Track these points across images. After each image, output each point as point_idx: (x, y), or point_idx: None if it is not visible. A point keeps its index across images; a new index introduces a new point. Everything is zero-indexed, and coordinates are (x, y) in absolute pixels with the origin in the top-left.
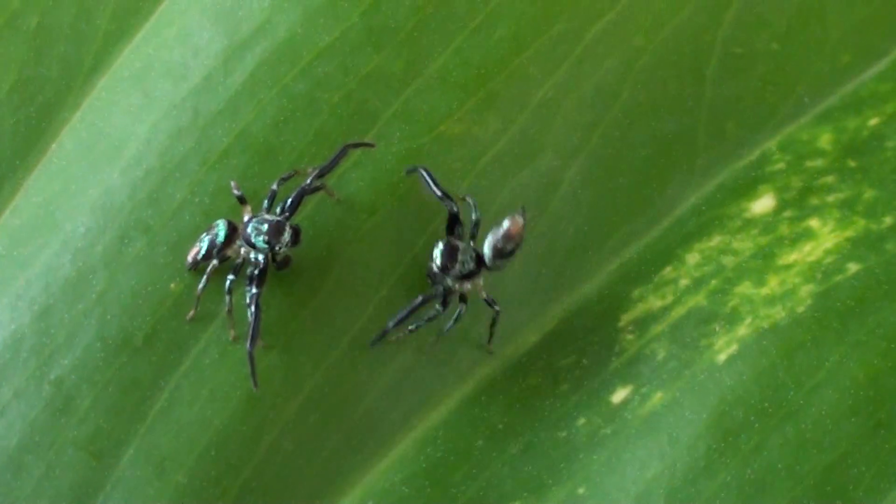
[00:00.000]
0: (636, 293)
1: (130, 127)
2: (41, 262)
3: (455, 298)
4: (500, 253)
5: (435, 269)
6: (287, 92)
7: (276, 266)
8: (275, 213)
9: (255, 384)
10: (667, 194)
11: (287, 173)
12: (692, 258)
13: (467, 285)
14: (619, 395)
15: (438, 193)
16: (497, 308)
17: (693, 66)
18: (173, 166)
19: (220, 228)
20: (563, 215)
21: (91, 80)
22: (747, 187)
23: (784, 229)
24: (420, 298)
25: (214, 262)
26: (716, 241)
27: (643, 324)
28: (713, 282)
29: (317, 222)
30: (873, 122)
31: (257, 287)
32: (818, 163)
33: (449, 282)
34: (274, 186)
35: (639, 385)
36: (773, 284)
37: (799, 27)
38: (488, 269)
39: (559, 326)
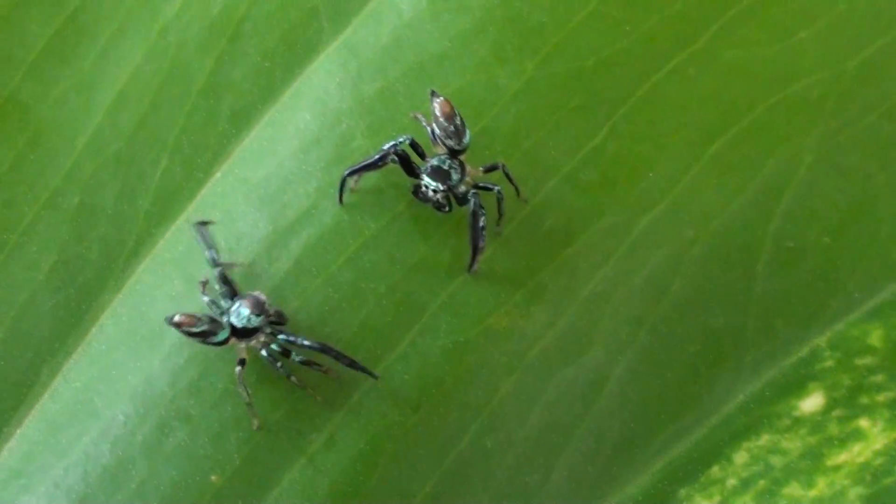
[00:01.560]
0: (683, 493)
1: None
2: (79, 450)
3: (469, 195)
4: (454, 132)
5: (440, 198)
6: (332, 281)
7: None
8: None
9: None
10: (715, 391)
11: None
12: (740, 457)
13: (467, 179)
14: None
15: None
16: (498, 188)
17: (743, 259)
18: (216, 355)
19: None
20: (610, 412)
21: (132, 262)
22: (796, 385)
23: (833, 429)
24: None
25: (239, 368)
26: (764, 440)
27: None
28: (761, 482)
29: (361, 416)
30: None
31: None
32: (868, 360)
33: (459, 188)
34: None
35: None
36: (821, 486)
37: (850, 221)
38: (463, 150)
39: None
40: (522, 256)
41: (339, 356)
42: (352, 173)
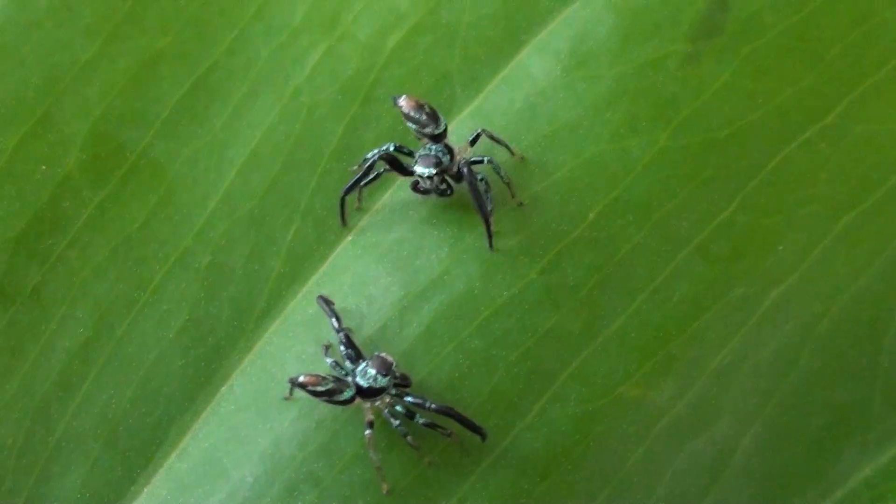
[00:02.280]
0: None
1: None
2: None
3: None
4: (427, 119)
5: (438, 183)
6: (463, 347)
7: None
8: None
9: None
10: (840, 465)
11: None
12: None
13: (457, 159)
14: None
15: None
16: (488, 158)
17: (871, 333)
18: (346, 419)
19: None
20: (736, 485)
21: (263, 323)
22: None
23: None
24: (485, 189)
25: (368, 431)
26: None
27: None
28: None
29: (489, 484)
30: None
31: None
32: None
33: (452, 169)
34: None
35: None
36: None
37: None
38: (443, 133)
39: None
40: (653, 327)
41: (461, 419)
42: (349, 191)
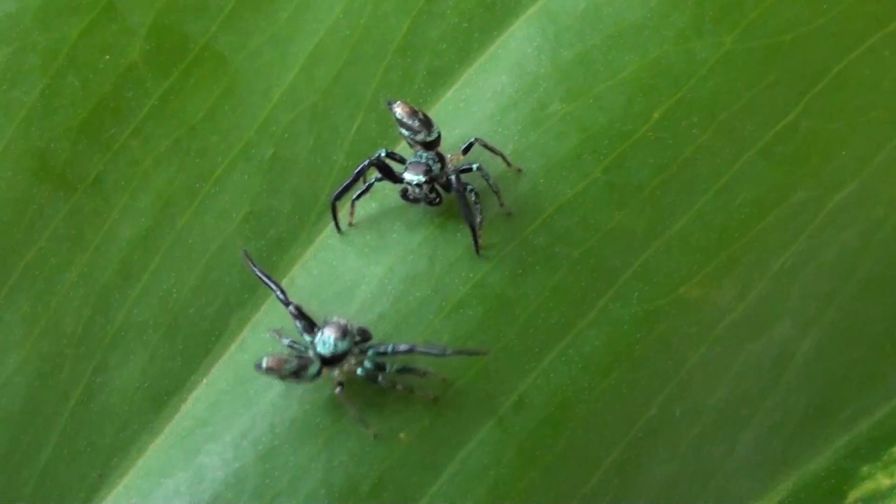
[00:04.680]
0: (865, 470)
1: (364, 269)
2: (267, 402)
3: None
4: (420, 126)
5: (427, 191)
6: (527, 244)
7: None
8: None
9: None
10: None
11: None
12: None
13: (448, 167)
14: None
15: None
16: (477, 165)
17: None
18: (408, 312)
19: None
20: (796, 387)
21: (325, 216)
22: None
23: None
24: (474, 200)
25: (339, 389)
26: None
27: (871, 502)
28: None
29: (551, 380)
30: None
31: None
32: None
33: (442, 178)
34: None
35: None
36: None
37: None
38: (436, 141)
39: (786, 501)
40: (716, 228)
41: (428, 352)
42: (338, 196)
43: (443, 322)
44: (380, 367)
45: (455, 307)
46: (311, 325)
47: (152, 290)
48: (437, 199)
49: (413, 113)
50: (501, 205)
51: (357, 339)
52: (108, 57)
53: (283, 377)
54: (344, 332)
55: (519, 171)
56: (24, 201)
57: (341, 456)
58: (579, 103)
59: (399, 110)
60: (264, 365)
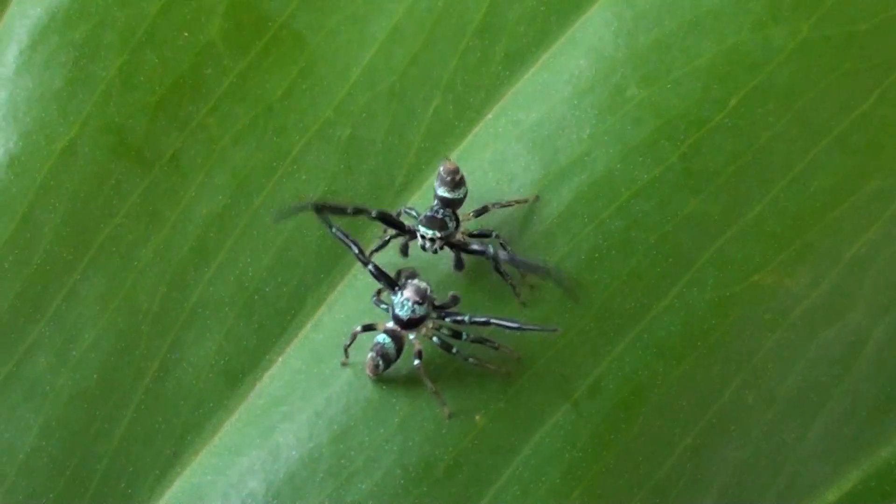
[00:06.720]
0: None
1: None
2: (342, 381)
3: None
4: (451, 181)
5: (438, 247)
6: (603, 228)
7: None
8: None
9: None
10: None
11: None
12: None
13: (461, 230)
14: None
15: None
16: (495, 233)
17: None
18: (484, 295)
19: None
20: (868, 374)
21: (402, 197)
22: None
23: None
24: (489, 257)
25: (417, 362)
26: None
27: None
28: None
29: (625, 364)
30: None
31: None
32: None
33: (454, 238)
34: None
35: None
36: None
37: None
38: (456, 202)
39: (857, 488)
40: (790, 216)
41: (503, 325)
42: (319, 211)
43: (519, 305)
44: (456, 335)
45: (530, 290)
46: (391, 284)
47: (228, 268)
48: (460, 265)
49: (454, 171)
50: (516, 294)
51: (437, 304)
52: (186, 34)
53: (382, 372)
54: (423, 296)
55: (536, 198)
56: (102, 177)
57: (416, 437)
58: (656, 89)
59: (447, 165)
60: (371, 375)
